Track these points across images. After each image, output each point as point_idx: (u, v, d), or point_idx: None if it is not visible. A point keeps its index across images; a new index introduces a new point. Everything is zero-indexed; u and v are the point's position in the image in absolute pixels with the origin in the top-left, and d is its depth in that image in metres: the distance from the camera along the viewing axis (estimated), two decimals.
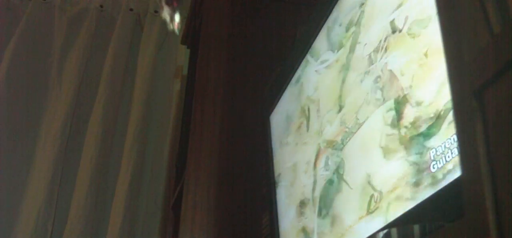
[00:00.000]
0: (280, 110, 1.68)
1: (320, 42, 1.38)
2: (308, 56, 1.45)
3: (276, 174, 1.63)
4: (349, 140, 1.13)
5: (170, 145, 2.89)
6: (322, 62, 1.34)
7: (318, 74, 1.37)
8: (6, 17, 3.03)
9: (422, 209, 0.87)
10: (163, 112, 3.01)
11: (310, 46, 1.52)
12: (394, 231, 0.90)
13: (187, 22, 2.84)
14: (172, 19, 1.40)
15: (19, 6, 3.07)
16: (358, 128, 1.09)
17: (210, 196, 1.85)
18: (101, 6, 3.19)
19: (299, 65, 1.57)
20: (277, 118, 1.68)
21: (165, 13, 1.41)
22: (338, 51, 1.24)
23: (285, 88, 1.67)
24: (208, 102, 2.01)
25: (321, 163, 1.28)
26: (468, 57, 0.53)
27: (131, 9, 3.18)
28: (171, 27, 1.42)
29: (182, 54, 3.01)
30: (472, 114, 0.51)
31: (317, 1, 1.50)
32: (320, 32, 1.39)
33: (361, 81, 1.10)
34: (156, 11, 3.19)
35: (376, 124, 1.01)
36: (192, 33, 2.69)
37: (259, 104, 1.89)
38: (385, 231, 0.93)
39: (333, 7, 1.38)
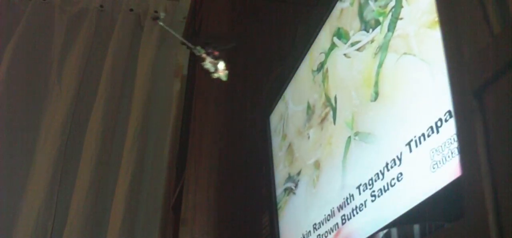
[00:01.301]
0: (297, 99, 1.52)
1: (349, 22, 1.20)
2: (335, 39, 1.28)
3: (295, 171, 1.47)
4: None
5: (170, 145, 2.89)
6: (353, 44, 1.17)
7: (347, 59, 1.20)
8: (6, 17, 3.03)
9: (422, 209, 0.87)
10: (163, 112, 3.00)
11: (313, 41, 1.50)
12: (394, 231, 0.91)
13: (187, 22, 2.84)
14: (216, 69, 1.37)
15: (19, 6, 3.07)
16: None
17: (210, 196, 1.85)
18: (101, 6, 3.19)
19: (299, 65, 1.57)
20: (295, 109, 1.53)
21: (208, 64, 1.38)
22: (373, 30, 1.10)
23: (285, 88, 1.67)
24: (208, 102, 2.01)
25: (351, 158, 1.15)
26: (468, 57, 0.53)
27: (131, 10, 3.18)
28: (216, 75, 1.39)
29: (182, 54, 3.01)
30: (472, 114, 0.51)
31: (317, 1, 1.50)
32: (349, 10, 1.21)
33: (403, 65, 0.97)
34: (156, 11, 3.19)
35: None
36: (192, 33, 2.69)
37: (259, 104, 1.89)
38: (385, 231, 0.93)
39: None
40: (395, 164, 0.99)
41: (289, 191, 1.51)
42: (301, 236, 1.41)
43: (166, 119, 2.98)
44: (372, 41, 1.09)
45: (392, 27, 1.01)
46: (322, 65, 1.34)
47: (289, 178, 1.52)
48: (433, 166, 0.86)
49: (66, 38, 3.04)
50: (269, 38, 2.11)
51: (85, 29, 3.08)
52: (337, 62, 1.25)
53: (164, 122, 2.98)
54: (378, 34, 1.07)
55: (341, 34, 1.24)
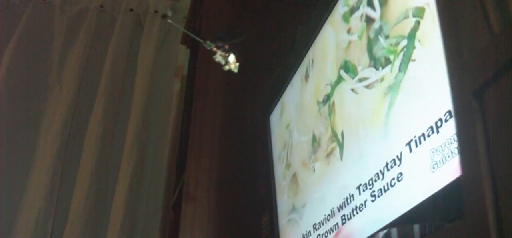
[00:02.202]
0: (303, 129, 1.48)
1: (357, 56, 1.16)
2: (342, 72, 1.24)
3: (300, 203, 1.44)
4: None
5: (170, 145, 2.89)
6: (361, 80, 1.13)
7: (355, 94, 1.16)
8: (6, 17, 3.03)
9: (422, 209, 0.87)
10: (163, 112, 3.00)
11: (309, 47, 1.51)
12: (394, 231, 0.90)
13: (187, 22, 2.84)
14: (226, 62, 1.41)
15: (19, 6, 3.07)
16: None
17: (210, 196, 1.85)
18: (101, 6, 3.19)
19: (299, 65, 1.57)
20: (300, 138, 1.49)
21: (219, 57, 1.41)
22: (382, 68, 1.05)
23: (285, 88, 1.67)
24: (208, 102, 2.01)
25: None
26: (468, 57, 0.53)
27: (131, 10, 3.18)
28: (228, 67, 1.42)
29: (182, 54, 3.01)
30: (472, 115, 0.51)
31: (317, 1, 1.50)
32: (357, 44, 1.16)
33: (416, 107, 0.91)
34: (156, 11, 3.19)
35: None
36: (192, 32, 2.69)
37: (259, 104, 1.89)
38: (385, 231, 0.93)
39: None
40: (395, 164, 0.99)
41: (293, 222, 1.48)
42: (301, 236, 1.41)
43: (166, 119, 2.98)
44: (381, 79, 1.04)
45: (404, 67, 0.96)
46: (328, 97, 1.31)
47: (294, 209, 1.48)
48: (433, 166, 0.86)
49: (66, 38, 3.04)
50: (269, 38, 2.11)
51: (85, 29, 3.08)
52: (345, 97, 1.22)
53: (164, 122, 2.98)
54: (388, 73, 1.02)
55: (348, 68, 1.20)
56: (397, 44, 0.99)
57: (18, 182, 2.71)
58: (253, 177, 1.85)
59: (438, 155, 0.85)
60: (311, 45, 1.49)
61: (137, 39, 3.13)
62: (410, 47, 0.94)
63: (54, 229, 2.65)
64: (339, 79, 1.25)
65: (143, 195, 2.79)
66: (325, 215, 1.27)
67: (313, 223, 1.34)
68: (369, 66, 1.09)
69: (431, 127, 0.87)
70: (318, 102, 1.37)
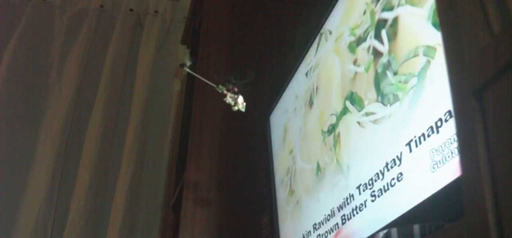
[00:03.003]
0: (306, 156, 1.46)
1: (364, 89, 1.12)
2: (347, 103, 1.20)
3: (304, 231, 1.42)
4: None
5: (170, 145, 2.89)
6: (368, 114, 1.10)
7: (361, 128, 1.13)
8: (6, 17, 3.03)
9: (422, 209, 0.87)
10: (163, 112, 3.00)
11: (308, 50, 1.51)
12: (394, 231, 0.90)
13: (187, 22, 2.84)
14: (235, 103, 1.48)
15: (19, 6, 3.07)
16: None
17: (210, 196, 1.85)
18: (101, 6, 3.19)
19: (299, 65, 1.57)
20: (304, 166, 1.48)
21: (229, 99, 1.49)
22: (390, 105, 1.01)
23: (285, 88, 1.67)
24: (208, 102, 2.01)
25: None
26: (468, 57, 0.53)
27: (131, 9, 3.18)
28: (237, 108, 1.49)
29: (182, 54, 3.01)
30: (472, 114, 0.51)
31: (317, 1, 1.50)
32: (363, 76, 1.12)
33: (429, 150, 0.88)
34: (156, 11, 3.19)
35: None
36: (192, 33, 2.69)
37: (259, 104, 1.89)
38: (385, 231, 0.93)
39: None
40: (395, 164, 0.99)
41: None
42: (301, 236, 1.41)
43: (166, 118, 2.98)
44: (390, 116, 1.01)
45: (413, 106, 0.94)
46: (333, 128, 1.28)
47: (297, 234, 1.48)
48: (433, 166, 0.86)
49: (66, 38, 3.04)
50: (269, 38, 2.11)
51: (85, 29, 3.08)
52: (350, 130, 1.19)
53: (164, 122, 2.98)
54: (397, 110, 0.99)
55: (354, 100, 1.17)
56: (406, 81, 0.96)
57: (18, 182, 2.71)
58: (253, 177, 1.85)
59: (438, 155, 0.85)
60: (311, 45, 1.49)
61: (137, 39, 3.13)
62: (420, 86, 0.91)
63: (54, 229, 2.65)
64: (345, 110, 1.22)
65: (143, 195, 2.79)
66: (325, 215, 1.27)
67: (313, 223, 1.34)
68: (377, 101, 1.06)
69: (431, 127, 0.88)
70: (323, 132, 1.34)
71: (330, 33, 1.37)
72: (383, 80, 1.04)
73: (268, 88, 1.86)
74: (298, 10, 2.10)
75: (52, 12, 3.10)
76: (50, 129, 2.81)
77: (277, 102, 1.73)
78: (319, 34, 1.45)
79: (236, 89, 1.49)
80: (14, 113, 2.83)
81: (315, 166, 1.39)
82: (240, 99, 1.49)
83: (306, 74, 1.52)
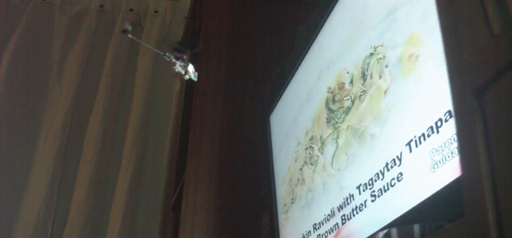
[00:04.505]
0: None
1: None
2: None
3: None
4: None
5: (170, 145, 2.89)
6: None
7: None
8: (6, 17, 3.03)
9: (422, 209, 0.87)
10: (163, 112, 3.01)
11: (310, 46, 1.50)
12: (394, 231, 0.90)
13: (187, 22, 2.84)
14: (186, 71, 1.46)
15: (19, 6, 3.07)
16: None
17: (210, 196, 1.85)
18: (101, 6, 3.19)
19: (299, 65, 1.57)
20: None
21: (178, 67, 1.46)
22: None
23: (285, 88, 1.67)
24: (208, 102, 2.01)
25: None
26: (468, 57, 0.53)
27: (131, 10, 3.18)
28: (188, 77, 1.48)
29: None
30: (472, 114, 0.51)
31: (317, 1, 1.50)
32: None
33: None
34: (156, 11, 3.19)
35: None
36: (192, 33, 2.69)
37: (259, 104, 1.89)
38: (385, 231, 0.93)
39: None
40: (395, 164, 0.99)
41: None
42: (301, 236, 1.41)
43: (166, 119, 2.99)
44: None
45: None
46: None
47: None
48: (433, 166, 0.86)
49: (66, 38, 3.04)
50: (269, 38, 2.11)
51: (85, 29, 3.08)
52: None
53: (164, 122, 2.98)
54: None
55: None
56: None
57: (18, 182, 2.71)
58: (253, 177, 1.85)
59: (438, 155, 0.85)
60: (311, 45, 1.49)
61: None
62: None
63: (54, 229, 2.66)
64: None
65: (143, 195, 2.79)
66: (325, 215, 1.27)
67: (313, 223, 1.34)
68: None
69: (431, 127, 0.87)
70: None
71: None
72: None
73: (268, 88, 1.85)
74: (298, 10, 2.10)
75: (52, 12, 3.10)
76: (50, 129, 2.81)
77: (277, 102, 1.73)
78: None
79: (185, 57, 1.46)
80: (14, 113, 2.83)
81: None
82: (191, 67, 1.47)
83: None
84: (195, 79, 1.47)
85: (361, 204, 1.10)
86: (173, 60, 1.44)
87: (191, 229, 1.79)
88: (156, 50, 1.52)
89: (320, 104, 1.39)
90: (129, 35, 1.59)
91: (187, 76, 1.47)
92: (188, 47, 1.49)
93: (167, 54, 1.45)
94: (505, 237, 0.46)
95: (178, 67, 1.45)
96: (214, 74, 2.02)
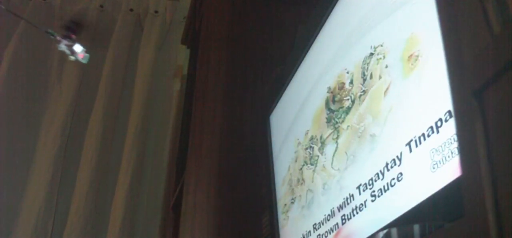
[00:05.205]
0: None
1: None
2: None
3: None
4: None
5: (170, 145, 2.89)
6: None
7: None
8: (6, 17, 3.03)
9: (422, 209, 0.87)
10: (163, 112, 3.01)
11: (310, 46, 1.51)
12: (394, 231, 0.90)
13: (187, 22, 2.84)
14: (72, 52, 1.39)
15: (19, 6, 3.07)
16: None
17: (210, 196, 1.85)
18: (101, 6, 3.19)
19: (299, 65, 1.57)
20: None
21: (63, 46, 1.40)
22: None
23: (285, 88, 1.67)
24: (208, 102, 2.01)
25: None
26: (468, 57, 0.53)
27: (131, 10, 3.18)
28: (74, 58, 1.41)
29: (182, 54, 3.01)
30: (472, 114, 0.51)
31: (317, 1, 1.50)
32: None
33: None
34: (156, 11, 3.19)
35: None
36: (192, 33, 2.69)
37: (259, 105, 1.88)
38: (385, 231, 0.93)
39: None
40: (395, 164, 0.99)
41: None
42: (301, 236, 1.41)
43: (166, 119, 2.99)
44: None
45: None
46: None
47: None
48: (433, 166, 0.86)
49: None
50: (269, 38, 2.11)
51: (85, 29, 3.08)
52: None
53: (164, 122, 2.98)
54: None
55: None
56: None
57: (18, 182, 2.71)
58: (253, 177, 1.85)
59: (438, 155, 0.85)
60: (311, 45, 1.49)
61: (137, 39, 3.13)
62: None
63: (54, 229, 2.66)
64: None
65: (143, 195, 2.80)
66: (325, 215, 1.27)
67: (313, 223, 1.33)
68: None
69: (431, 127, 0.87)
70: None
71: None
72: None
73: (268, 88, 1.85)
74: (298, 10, 2.10)
75: (52, 12, 3.10)
76: (50, 129, 2.82)
77: (277, 103, 1.73)
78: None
79: (73, 37, 1.38)
80: (14, 113, 2.84)
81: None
82: (78, 48, 1.38)
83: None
84: (85, 61, 1.39)
85: (361, 204, 1.10)
86: (58, 38, 1.36)
87: (191, 229, 1.79)
88: (33, 24, 1.42)
89: (320, 104, 1.39)
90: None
91: (72, 57, 1.38)
92: (79, 26, 1.39)
93: (51, 31, 1.37)
94: (505, 237, 0.46)
95: (63, 47, 1.37)
96: (214, 75, 2.02)
